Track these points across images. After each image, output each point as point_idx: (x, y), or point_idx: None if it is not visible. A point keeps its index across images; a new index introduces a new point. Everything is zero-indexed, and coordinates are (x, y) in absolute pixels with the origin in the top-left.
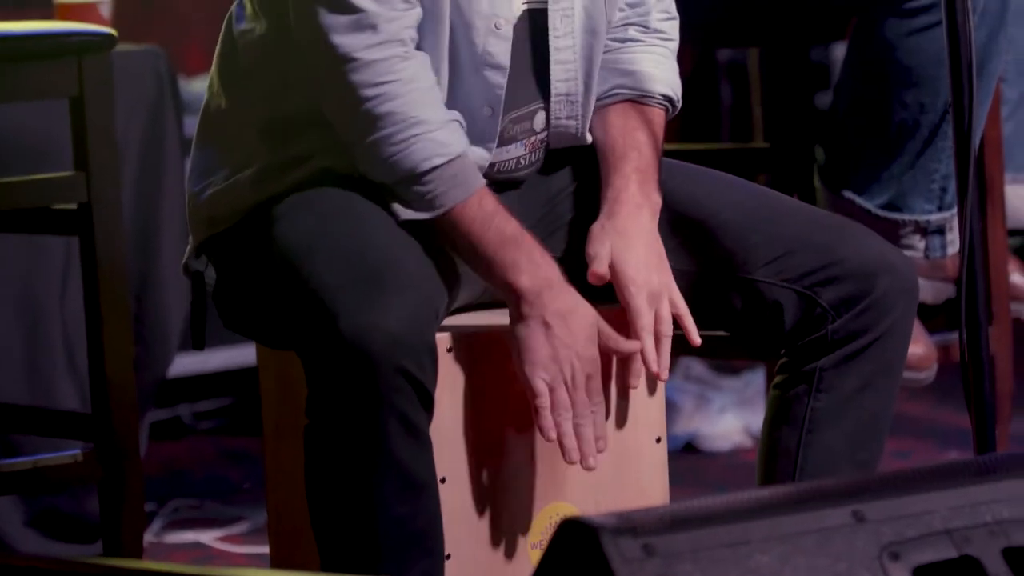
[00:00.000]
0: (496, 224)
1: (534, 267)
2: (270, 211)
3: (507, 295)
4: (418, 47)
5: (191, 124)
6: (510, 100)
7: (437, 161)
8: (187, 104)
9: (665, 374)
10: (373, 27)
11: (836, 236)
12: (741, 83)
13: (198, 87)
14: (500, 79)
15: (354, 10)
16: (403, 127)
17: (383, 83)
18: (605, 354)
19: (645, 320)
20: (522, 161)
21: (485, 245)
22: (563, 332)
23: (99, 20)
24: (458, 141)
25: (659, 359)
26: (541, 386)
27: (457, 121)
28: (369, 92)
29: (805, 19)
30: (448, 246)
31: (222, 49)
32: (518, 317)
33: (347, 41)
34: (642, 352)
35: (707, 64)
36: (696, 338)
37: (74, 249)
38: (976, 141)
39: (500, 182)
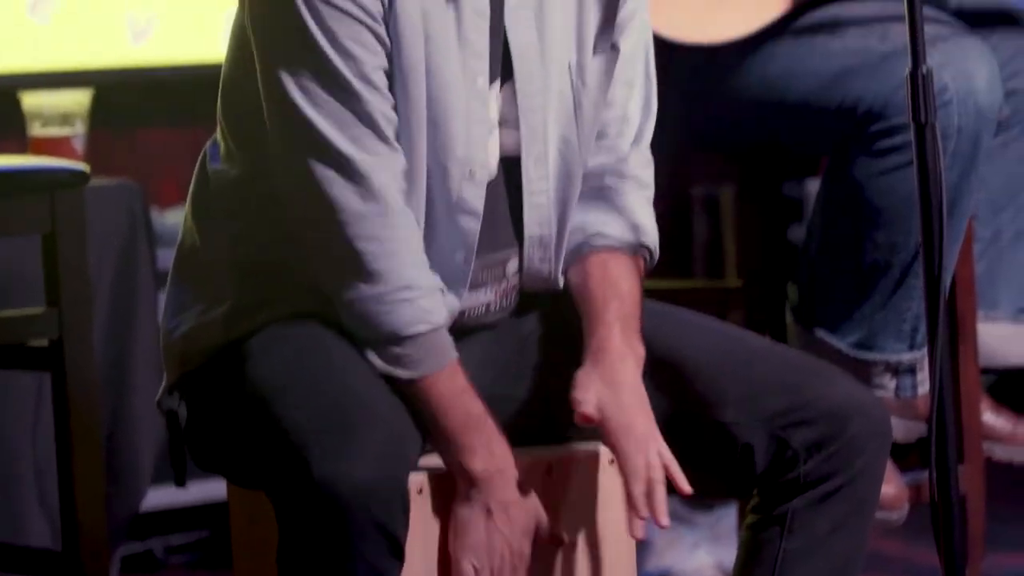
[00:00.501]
0: (463, 403)
1: (489, 454)
2: (242, 349)
3: (457, 474)
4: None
5: (165, 257)
6: (484, 244)
7: (422, 328)
8: (161, 236)
9: (664, 520)
10: (363, 177)
11: (807, 378)
12: (714, 218)
13: (172, 219)
14: (474, 225)
15: (342, 160)
16: (393, 288)
17: (375, 238)
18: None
19: (634, 463)
20: (491, 307)
21: (448, 422)
22: (503, 522)
23: (72, 154)
24: (441, 312)
25: (655, 506)
26: (467, 570)
27: (441, 290)
28: (361, 246)
29: (778, 158)
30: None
31: (196, 187)
32: (464, 498)
33: (336, 193)
34: (630, 498)
35: (680, 199)
36: (686, 486)
37: (46, 384)
38: (947, 281)
39: (471, 328)
